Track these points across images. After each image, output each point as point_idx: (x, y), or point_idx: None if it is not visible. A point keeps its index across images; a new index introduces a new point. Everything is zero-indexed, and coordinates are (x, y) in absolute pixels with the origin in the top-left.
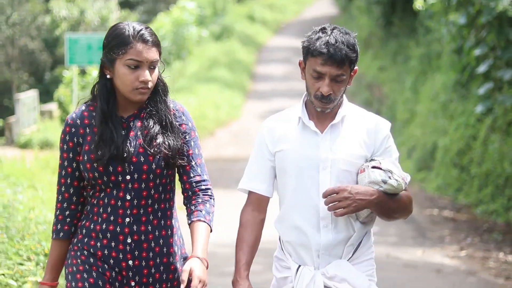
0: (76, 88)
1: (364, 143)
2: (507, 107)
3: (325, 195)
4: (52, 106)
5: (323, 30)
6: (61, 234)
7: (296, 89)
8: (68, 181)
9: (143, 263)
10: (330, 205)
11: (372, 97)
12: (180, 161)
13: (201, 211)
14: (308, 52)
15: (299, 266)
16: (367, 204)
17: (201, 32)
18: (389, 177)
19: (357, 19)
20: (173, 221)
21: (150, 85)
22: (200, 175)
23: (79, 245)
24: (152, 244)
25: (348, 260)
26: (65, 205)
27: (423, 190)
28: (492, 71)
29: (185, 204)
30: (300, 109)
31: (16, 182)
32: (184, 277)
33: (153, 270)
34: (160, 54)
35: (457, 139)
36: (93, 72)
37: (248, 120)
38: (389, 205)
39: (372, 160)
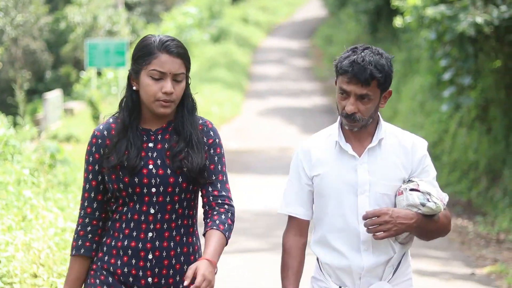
0: (94, 88)
1: (401, 164)
2: (470, 107)
3: (365, 218)
4: (73, 104)
5: (354, 49)
6: (82, 250)
7: (290, 89)
8: (92, 195)
9: (163, 281)
10: (370, 227)
11: None
12: (202, 179)
13: (215, 221)
14: (337, 70)
15: (340, 287)
16: (407, 228)
17: (202, 35)
18: (428, 200)
19: (345, 24)
20: (194, 238)
21: (173, 97)
22: (218, 190)
23: (99, 263)
24: (173, 261)
25: (388, 281)
26: (87, 220)
27: None
28: (455, 78)
29: (204, 219)
30: (337, 132)
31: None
32: (189, 273)
33: None
34: (187, 68)
35: (432, 132)
36: (108, 74)
37: (248, 117)
38: (428, 227)
39: (409, 181)
